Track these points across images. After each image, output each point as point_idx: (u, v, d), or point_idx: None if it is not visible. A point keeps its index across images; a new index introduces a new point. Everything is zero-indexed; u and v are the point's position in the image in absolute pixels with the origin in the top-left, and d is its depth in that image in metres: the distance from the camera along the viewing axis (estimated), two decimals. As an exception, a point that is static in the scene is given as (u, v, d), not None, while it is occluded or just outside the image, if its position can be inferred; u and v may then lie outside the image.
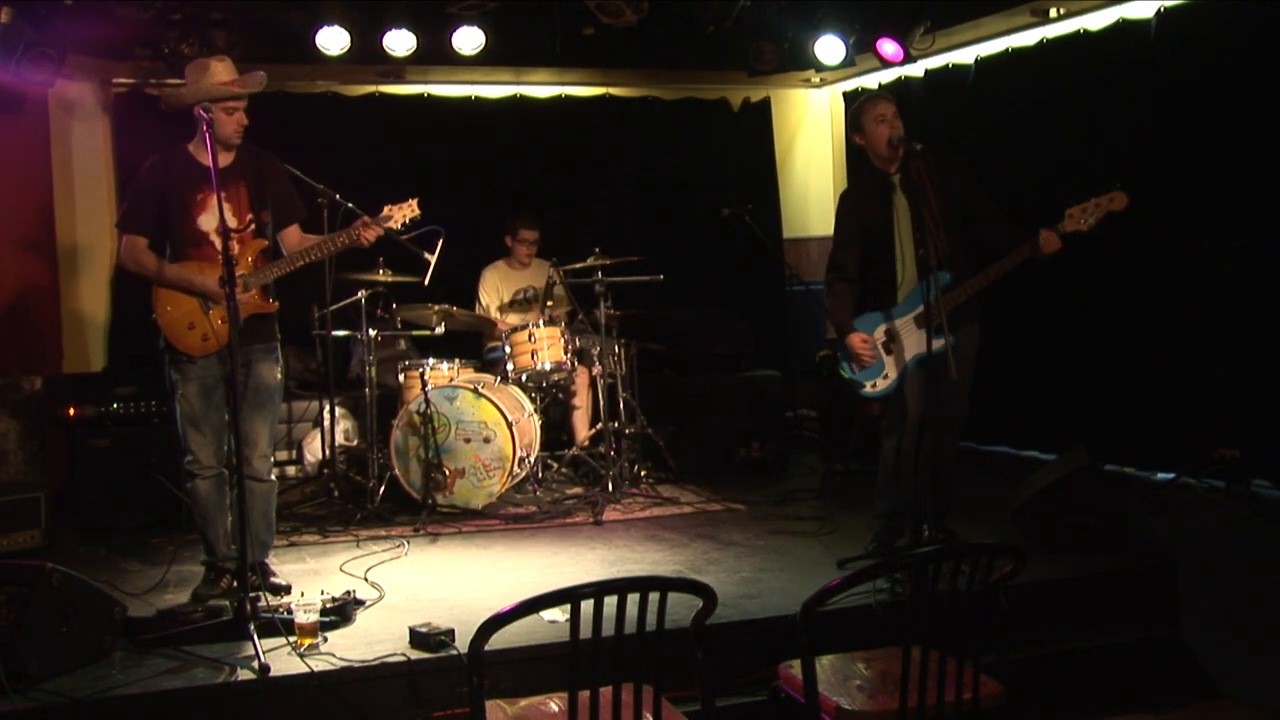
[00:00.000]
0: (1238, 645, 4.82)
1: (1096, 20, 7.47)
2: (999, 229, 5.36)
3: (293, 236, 5.26)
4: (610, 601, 2.72)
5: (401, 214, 5.29)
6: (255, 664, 4.11)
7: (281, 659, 4.19)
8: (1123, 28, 7.24)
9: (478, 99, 9.46)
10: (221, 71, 4.98)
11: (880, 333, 5.35)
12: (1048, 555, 5.24)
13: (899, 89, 8.73)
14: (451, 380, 6.98)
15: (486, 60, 8.23)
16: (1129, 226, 6.98)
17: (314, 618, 4.34)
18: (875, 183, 5.39)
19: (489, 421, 6.73)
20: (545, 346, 7.15)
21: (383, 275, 6.99)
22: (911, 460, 5.39)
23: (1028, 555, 3.21)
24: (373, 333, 7.11)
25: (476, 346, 8.13)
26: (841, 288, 5.46)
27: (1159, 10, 6.99)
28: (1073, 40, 7.61)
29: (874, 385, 5.37)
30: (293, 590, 5.12)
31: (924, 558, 3.08)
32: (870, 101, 5.37)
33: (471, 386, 6.79)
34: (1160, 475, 6.99)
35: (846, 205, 5.53)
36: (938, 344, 5.22)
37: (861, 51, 8.21)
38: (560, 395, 7.73)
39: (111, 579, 5.36)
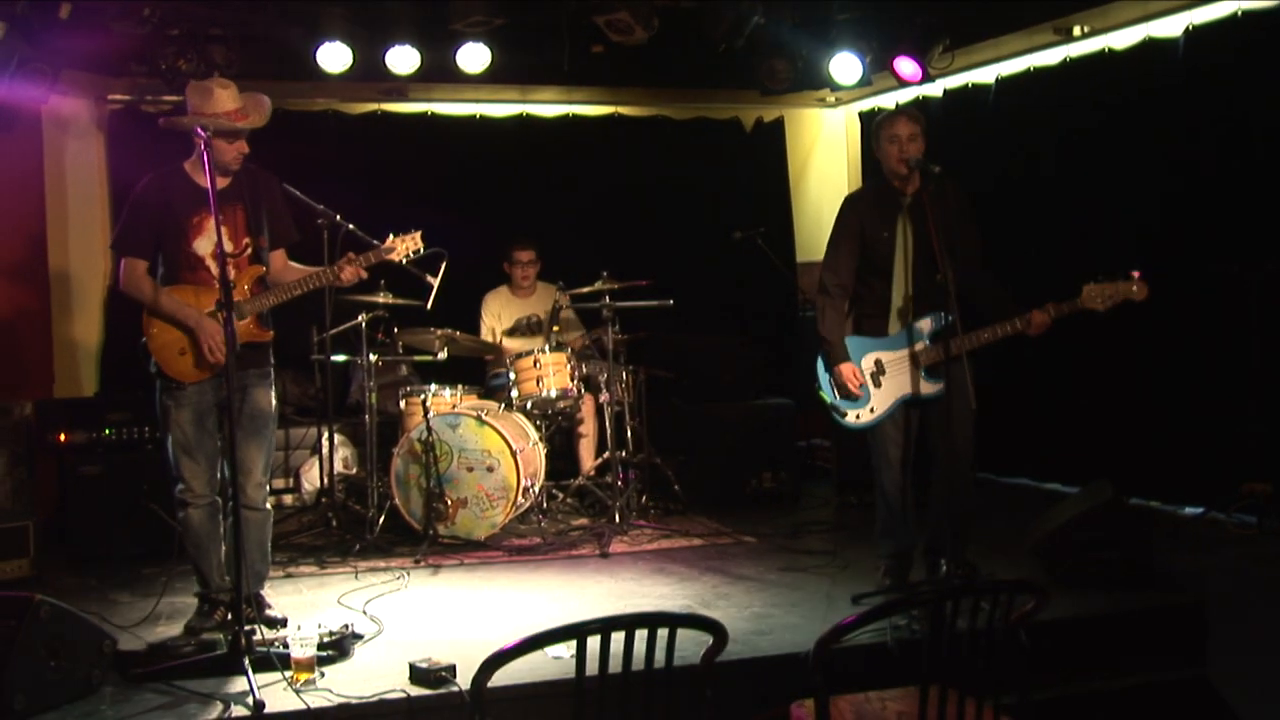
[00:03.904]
0: (1269, 688, 4.80)
1: (1122, 39, 7.50)
2: (980, 287, 5.24)
3: (278, 261, 5.26)
4: (617, 638, 2.72)
5: (404, 246, 5.32)
6: (250, 700, 4.10)
7: (277, 695, 4.18)
8: (1150, 46, 7.27)
9: (483, 118, 9.51)
10: (226, 99, 4.95)
11: (869, 362, 5.32)
12: (1071, 592, 5.22)
13: (916, 109, 8.77)
14: (454, 407, 6.99)
15: (492, 78, 8.28)
16: (1155, 251, 7.02)
17: (311, 652, 4.34)
18: (885, 197, 5.38)
19: (493, 450, 6.74)
20: (551, 373, 7.16)
21: (384, 298, 7.01)
22: (910, 498, 5.38)
23: (1049, 592, 3.21)
24: (373, 358, 7.14)
25: (480, 372, 8.15)
26: (839, 299, 5.38)
27: (1188, 28, 7.01)
28: (1097, 59, 7.64)
29: (857, 416, 5.33)
30: (289, 623, 5.12)
31: (942, 594, 3.08)
32: (890, 118, 5.34)
33: (475, 413, 6.81)
34: (1188, 510, 6.98)
35: (852, 210, 5.45)
36: (931, 389, 5.23)
37: (878, 70, 8.24)
38: (566, 423, 7.74)
39: (101, 611, 5.36)
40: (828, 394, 5.39)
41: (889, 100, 9.43)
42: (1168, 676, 4.97)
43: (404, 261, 5.42)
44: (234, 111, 4.96)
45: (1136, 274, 5.04)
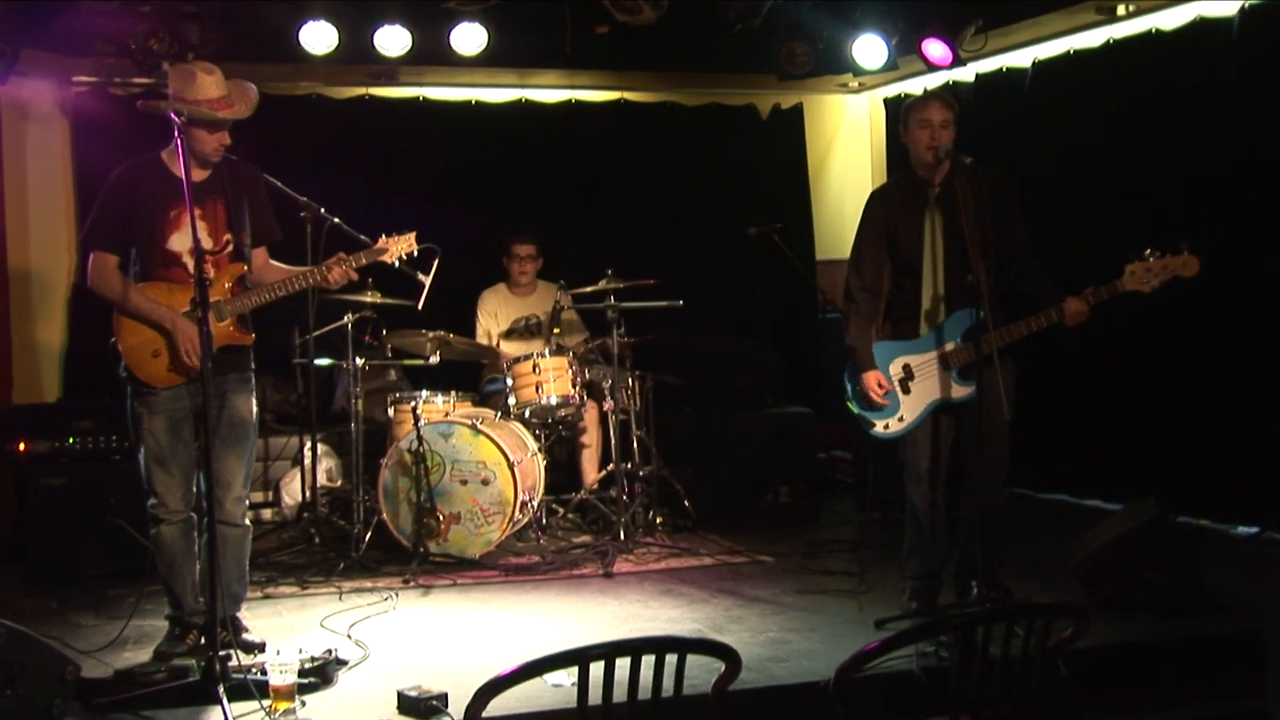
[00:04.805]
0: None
1: (1171, 19, 7.48)
2: (1029, 277, 5.27)
3: (258, 260, 5.26)
4: (622, 664, 2.72)
5: (398, 247, 5.33)
6: (224, 731, 4.11)
7: (253, 725, 4.20)
8: (1201, 27, 7.24)
9: (479, 103, 9.53)
10: (210, 86, 4.92)
11: (897, 367, 5.33)
12: (1113, 617, 5.21)
13: (950, 95, 8.76)
14: (447, 415, 7.00)
15: (489, 61, 8.29)
16: (1207, 250, 7.00)
17: (291, 679, 4.34)
18: (912, 190, 5.37)
19: (488, 461, 6.74)
20: (551, 379, 7.16)
21: (372, 298, 7.01)
22: (941, 514, 5.38)
23: (1090, 617, 3.20)
24: (360, 362, 7.14)
25: (474, 378, 8.15)
26: (866, 304, 5.39)
27: (1243, 7, 6.99)
28: (1143, 41, 7.63)
29: (886, 426, 5.34)
30: (267, 648, 5.12)
31: (972, 618, 3.07)
32: (920, 102, 5.34)
33: (469, 422, 6.81)
34: (1241, 529, 6.96)
35: (879, 206, 5.47)
36: (963, 392, 5.21)
37: (905, 53, 8.24)
38: (567, 433, 7.74)
39: (64, 635, 5.36)
40: (855, 405, 5.41)
41: (916, 86, 9.42)
42: (1221, 709, 4.96)
43: (397, 263, 5.43)
44: (217, 99, 4.95)
45: (1189, 249, 4.97)
